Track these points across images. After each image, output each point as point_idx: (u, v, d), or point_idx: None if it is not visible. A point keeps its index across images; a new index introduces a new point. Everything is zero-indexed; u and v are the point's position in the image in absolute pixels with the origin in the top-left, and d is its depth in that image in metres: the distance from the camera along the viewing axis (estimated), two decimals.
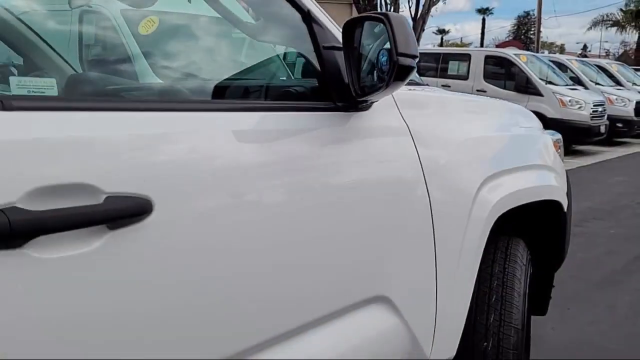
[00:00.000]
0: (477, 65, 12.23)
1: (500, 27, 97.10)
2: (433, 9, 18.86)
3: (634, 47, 41.63)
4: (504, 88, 11.78)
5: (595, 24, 39.97)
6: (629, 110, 13.31)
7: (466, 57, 12.57)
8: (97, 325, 0.90)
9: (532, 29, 59.00)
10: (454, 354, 1.72)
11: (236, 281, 1.12)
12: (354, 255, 1.39)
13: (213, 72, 1.52)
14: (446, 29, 60.17)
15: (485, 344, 1.83)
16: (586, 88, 12.85)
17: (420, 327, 1.58)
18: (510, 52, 12.74)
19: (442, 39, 59.38)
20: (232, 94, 1.45)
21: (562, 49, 63.68)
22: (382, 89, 1.26)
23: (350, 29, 1.35)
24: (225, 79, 1.47)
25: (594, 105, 11.47)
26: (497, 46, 34.74)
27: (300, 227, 1.24)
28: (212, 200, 1.07)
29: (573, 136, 10.58)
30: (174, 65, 1.53)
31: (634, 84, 15.89)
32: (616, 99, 13.31)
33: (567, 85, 12.25)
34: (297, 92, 1.42)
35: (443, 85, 11.38)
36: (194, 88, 1.44)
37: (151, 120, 1.03)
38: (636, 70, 21.49)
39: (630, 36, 41.48)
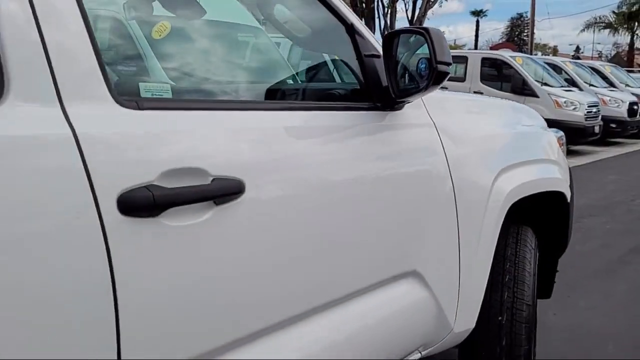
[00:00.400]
0: (474, 67, 12.47)
1: (494, 29, 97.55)
2: (429, 12, 19.14)
3: (627, 48, 42.05)
4: (501, 89, 12.01)
5: (588, 26, 40.34)
6: (622, 111, 13.55)
7: (463, 60, 12.79)
8: (206, 277, 1.13)
9: (526, 31, 59.20)
10: (474, 325, 1.94)
11: (301, 250, 1.34)
12: (394, 233, 1.61)
13: (279, 79, 1.75)
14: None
15: (500, 318, 2.05)
16: (580, 89, 13.10)
17: (446, 300, 1.80)
18: (507, 55, 13.00)
19: None
20: (288, 96, 1.68)
21: (555, 51, 64.02)
22: (422, 91, 1.49)
23: (389, 40, 1.58)
24: (286, 84, 1.71)
25: (588, 106, 11.72)
26: (491, 48, 34.98)
27: (355, 208, 1.46)
28: (287, 182, 1.29)
29: (568, 136, 10.64)
30: (253, 73, 1.77)
31: (627, 85, 16.15)
32: (610, 100, 13.55)
33: (562, 86, 12.51)
34: (343, 94, 1.65)
35: (441, 87, 11.59)
36: (272, 91, 1.70)
37: (240, 118, 1.27)
38: (629, 71, 21.84)
39: (623, 38, 41.91)
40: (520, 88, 11.81)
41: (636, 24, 38.34)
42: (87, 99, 0.98)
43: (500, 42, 54.20)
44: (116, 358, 0.99)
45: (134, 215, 0.99)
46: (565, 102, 11.54)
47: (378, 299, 1.59)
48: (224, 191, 1.12)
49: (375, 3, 18.08)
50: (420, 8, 18.76)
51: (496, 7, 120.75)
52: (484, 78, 12.38)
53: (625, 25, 38.85)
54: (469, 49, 35.75)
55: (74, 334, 0.94)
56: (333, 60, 1.76)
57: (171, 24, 1.59)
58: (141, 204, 0.99)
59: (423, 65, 1.49)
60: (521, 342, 2.05)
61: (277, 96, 1.65)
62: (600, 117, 12.15)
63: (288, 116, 1.41)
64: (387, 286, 1.62)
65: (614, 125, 13.23)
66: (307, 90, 1.72)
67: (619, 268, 4.50)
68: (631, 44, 40.64)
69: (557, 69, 13.99)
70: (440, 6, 21.76)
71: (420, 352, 1.83)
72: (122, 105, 1.04)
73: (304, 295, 1.36)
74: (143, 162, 1.03)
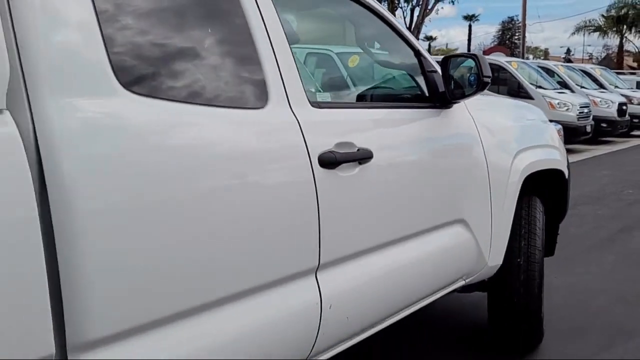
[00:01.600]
0: None
1: (485, 32, 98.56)
2: (427, 19, 19.99)
3: (616, 50, 43.09)
4: (497, 92, 12.75)
5: (578, 29, 41.35)
6: (612, 112, 14.37)
7: None
8: (358, 203, 1.87)
9: (517, 34, 59.80)
10: (501, 262, 2.69)
11: (399, 194, 2.09)
12: (451, 190, 2.37)
13: (377, 87, 2.54)
14: (433, 36, 61.38)
15: (519, 260, 2.80)
16: (572, 91, 13.89)
17: (483, 242, 2.55)
18: (503, 60, 13.78)
19: (429, 45, 60.64)
20: (382, 98, 2.46)
21: (546, 53, 64.81)
22: (472, 95, 2.25)
23: (445, 60, 2.33)
24: (379, 90, 2.49)
25: (580, 107, 12.50)
26: (483, 52, 35.66)
27: (428, 171, 2.23)
28: (392, 152, 2.05)
29: None
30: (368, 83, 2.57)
31: (616, 86, 16.98)
32: (600, 101, 14.35)
33: (555, 89, 13.30)
34: (413, 97, 2.41)
35: None
36: (382, 95, 2.51)
37: (367, 112, 2.04)
38: (619, 73, 22.67)
39: (612, 40, 42.93)
40: (516, 91, 12.58)
41: (625, 27, 39.35)
42: (299, 104, 1.73)
43: (492, 45, 55.03)
44: (317, 263, 1.73)
45: (325, 167, 1.73)
46: (558, 103, 12.32)
47: (441, 235, 2.34)
48: (363, 156, 1.86)
49: None
50: (418, 16, 19.65)
51: (487, 11, 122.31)
52: None
53: (615, 29, 39.88)
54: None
55: (297, 240, 1.68)
56: (407, 74, 2.50)
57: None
58: (329, 161, 1.73)
59: (472, 78, 2.25)
60: (534, 277, 2.81)
61: (376, 99, 2.43)
62: (591, 117, 12.93)
63: (387, 111, 2.18)
64: (446, 227, 2.37)
65: (604, 125, 14.03)
66: (393, 95, 2.48)
67: (608, 244, 5.27)
68: (620, 47, 41.69)
69: (550, 72, 14.78)
70: (437, 13, 22.58)
71: (464, 280, 2.58)
72: (312, 106, 1.78)
73: (399, 227, 2.11)
74: (327, 137, 1.77)
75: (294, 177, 1.66)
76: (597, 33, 40.79)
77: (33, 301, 1.10)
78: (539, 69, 14.05)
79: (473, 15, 55.71)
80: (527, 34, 35.61)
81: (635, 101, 16.56)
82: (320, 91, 2.10)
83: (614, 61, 42.82)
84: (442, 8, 40.44)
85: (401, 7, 20.75)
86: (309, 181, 1.67)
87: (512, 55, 36.61)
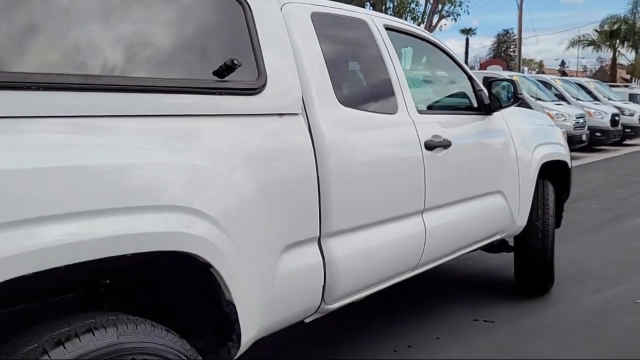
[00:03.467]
0: None
1: (481, 44, 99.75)
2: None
3: (610, 63, 44.45)
4: None
5: (573, 43, 42.67)
6: (605, 122, 15.44)
7: None
8: (445, 177, 2.99)
9: (512, 47, 60.81)
10: (525, 224, 3.82)
11: (467, 172, 3.21)
12: (494, 171, 3.50)
13: (445, 98, 3.69)
14: None
15: (537, 223, 3.93)
16: (569, 103, 15.00)
17: (514, 208, 3.67)
18: (505, 75, 14.93)
19: None
20: (453, 107, 3.59)
21: (541, 66, 65.85)
22: (508, 106, 3.41)
23: (489, 82, 3.47)
24: (451, 102, 3.63)
25: (576, 118, 13.61)
26: (481, 65, 36.78)
27: (481, 158, 3.36)
28: (460, 142, 3.16)
29: None
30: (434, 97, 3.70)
31: (609, 99, 18.10)
32: (595, 112, 15.37)
33: (553, 101, 14.43)
34: (464, 107, 3.55)
35: None
36: (453, 105, 3.61)
37: (443, 116, 3.18)
38: (612, 86, 23.84)
39: (606, 53, 44.24)
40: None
41: (617, 41, 40.72)
42: (412, 112, 2.85)
43: (488, 57, 56.07)
44: (423, 207, 2.84)
45: (427, 150, 2.83)
46: (556, 114, 13.42)
47: (488, 200, 3.46)
48: (447, 144, 2.97)
49: None
50: None
51: (482, 24, 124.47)
52: None
53: (608, 43, 41.24)
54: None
55: (415, 191, 2.78)
56: (465, 92, 3.63)
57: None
58: (429, 146, 2.83)
59: (510, 95, 3.39)
60: (548, 236, 3.94)
61: (449, 108, 3.56)
62: (586, 127, 14.01)
63: (456, 116, 3.33)
64: (491, 195, 3.49)
65: (598, 134, 15.09)
66: (459, 106, 3.61)
67: (602, 228, 6.41)
68: (613, 60, 43.03)
69: (547, 85, 15.88)
70: (440, 30, 23.83)
71: (500, 235, 3.70)
72: (419, 112, 2.90)
73: (465, 190, 3.23)
74: (428, 131, 2.88)
75: (414, 153, 2.78)
76: (592, 47, 42.13)
77: (312, 206, 2.22)
78: (538, 82, 15.22)
79: (470, 29, 56.90)
80: (522, 47, 36.83)
81: (627, 112, 17.66)
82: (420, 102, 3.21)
83: (608, 73, 44.11)
84: (445, 24, 41.72)
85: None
86: (420, 156, 2.80)
87: (508, 67, 37.73)
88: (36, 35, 1.56)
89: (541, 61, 68.97)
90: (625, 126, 16.69)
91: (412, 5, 22.34)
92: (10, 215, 1.34)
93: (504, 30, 65.61)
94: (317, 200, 2.22)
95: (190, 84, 1.88)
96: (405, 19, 20.73)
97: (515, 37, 52.23)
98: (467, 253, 3.47)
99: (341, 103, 2.43)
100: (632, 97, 21.77)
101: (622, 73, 47.93)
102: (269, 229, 2.01)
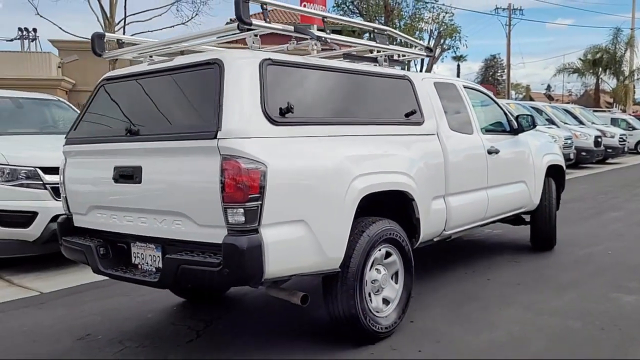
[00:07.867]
0: None
1: (468, 68, 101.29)
2: (434, 67, 23.71)
3: (594, 87, 46.99)
4: None
5: (559, 71, 45.27)
6: (590, 143, 17.68)
7: None
8: (495, 168, 5.28)
9: (499, 71, 62.08)
10: (538, 202, 6.13)
11: (504, 168, 5.49)
12: (520, 169, 5.81)
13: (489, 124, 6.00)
14: None
15: (545, 203, 6.23)
16: (558, 126, 17.21)
17: (532, 191, 5.96)
18: (503, 102, 17.24)
19: None
20: (498, 130, 5.87)
21: (527, 89, 67.57)
22: (529, 130, 5.74)
23: (518, 115, 5.79)
24: (495, 126, 5.93)
25: (565, 139, 15.79)
26: None
27: (512, 160, 5.66)
28: (503, 151, 5.45)
29: None
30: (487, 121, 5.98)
31: (593, 122, 20.33)
32: (580, 135, 17.57)
33: (544, 124, 16.62)
34: (502, 130, 5.86)
35: None
36: (497, 128, 5.89)
37: (487, 136, 5.48)
38: (595, 111, 26.12)
39: (590, 79, 46.68)
40: None
41: (600, 69, 43.41)
42: (479, 132, 5.13)
43: (476, 82, 57.68)
44: (487, 185, 5.11)
45: (488, 154, 5.10)
46: (548, 136, 15.75)
47: (516, 185, 5.75)
48: (496, 151, 5.23)
49: None
50: (427, 64, 23.46)
51: (470, 49, 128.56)
52: None
53: (591, 71, 43.91)
54: None
55: (483, 176, 5.05)
56: (500, 122, 5.90)
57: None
58: (489, 152, 5.11)
59: (530, 122, 5.72)
60: (552, 212, 6.26)
61: (495, 130, 5.81)
62: (573, 147, 16.20)
63: (500, 135, 5.63)
64: (519, 183, 5.78)
65: (584, 154, 17.34)
66: (500, 129, 5.87)
67: (588, 219, 8.74)
68: (597, 87, 45.72)
69: (539, 111, 18.02)
70: (442, 61, 26.43)
71: (523, 208, 5.99)
72: (482, 133, 5.18)
73: (505, 178, 5.50)
74: (487, 144, 5.17)
75: (482, 155, 5.06)
76: (576, 74, 44.68)
77: (442, 178, 4.52)
78: (531, 108, 17.53)
79: (461, 56, 59.39)
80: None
81: (609, 135, 19.90)
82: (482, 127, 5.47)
83: (592, 97, 46.66)
84: (447, 57, 44.24)
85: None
86: (485, 157, 5.09)
87: (497, 92, 39.60)
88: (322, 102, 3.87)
89: (528, 85, 70.77)
90: (607, 147, 19.01)
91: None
92: (363, 171, 3.67)
93: (492, 55, 66.88)
94: (444, 176, 4.51)
95: (399, 120, 4.20)
96: None
97: (502, 61, 53.76)
98: (506, 217, 5.76)
99: (450, 129, 4.73)
100: (614, 121, 24.10)
101: (606, 97, 50.23)
102: (429, 186, 4.30)
